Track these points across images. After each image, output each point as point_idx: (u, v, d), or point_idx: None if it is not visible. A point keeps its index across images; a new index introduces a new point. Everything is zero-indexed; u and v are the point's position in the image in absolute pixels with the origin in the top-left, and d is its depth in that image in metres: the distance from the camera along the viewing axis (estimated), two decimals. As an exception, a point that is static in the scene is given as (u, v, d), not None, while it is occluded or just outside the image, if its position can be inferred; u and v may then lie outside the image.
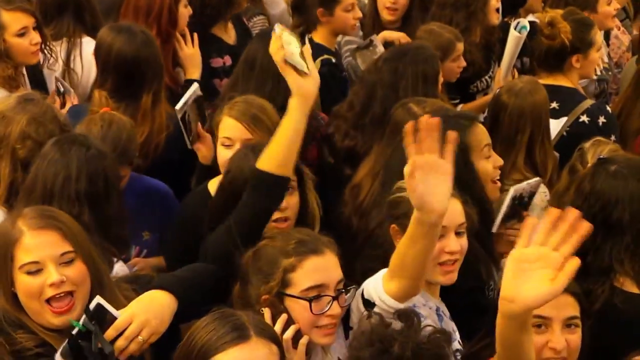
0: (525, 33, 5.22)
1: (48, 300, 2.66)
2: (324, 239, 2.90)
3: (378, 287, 2.80)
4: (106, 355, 2.61)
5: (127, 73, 4.13)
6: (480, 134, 3.65)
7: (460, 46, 5.09)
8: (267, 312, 2.75)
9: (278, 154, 3.04)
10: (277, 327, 2.70)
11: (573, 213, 2.06)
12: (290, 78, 3.01)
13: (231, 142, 3.74)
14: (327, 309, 2.75)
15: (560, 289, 2.06)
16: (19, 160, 3.47)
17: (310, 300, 2.74)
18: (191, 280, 2.91)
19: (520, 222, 3.61)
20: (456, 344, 2.98)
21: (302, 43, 3.10)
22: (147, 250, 3.96)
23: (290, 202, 3.28)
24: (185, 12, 4.72)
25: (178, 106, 3.84)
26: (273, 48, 3.02)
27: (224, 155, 3.71)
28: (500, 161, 3.73)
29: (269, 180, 3.03)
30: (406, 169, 2.54)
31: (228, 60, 5.02)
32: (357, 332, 2.67)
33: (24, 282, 2.68)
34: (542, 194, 3.99)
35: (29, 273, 2.68)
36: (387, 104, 4.10)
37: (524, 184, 3.79)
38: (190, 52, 4.73)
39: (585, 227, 2.05)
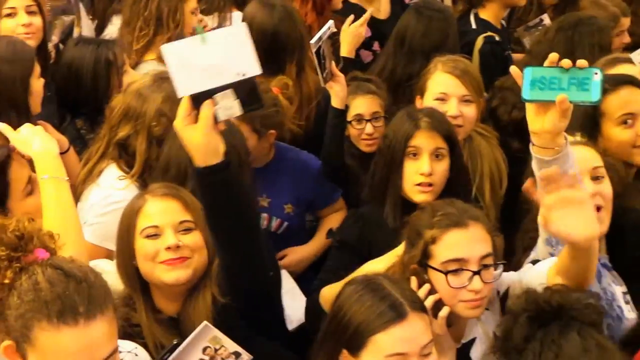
0: None
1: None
2: (473, 212, 2.78)
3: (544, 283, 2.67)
4: None
5: (269, 47, 4.05)
6: (618, 101, 3.30)
7: (625, 21, 4.89)
8: (413, 281, 2.72)
9: None
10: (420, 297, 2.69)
11: None
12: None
13: (446, 97, 3.66)
14: (467, 283, 2.65)
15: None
16: (154, 138, 3.48)
17: (446, 274, 2.67)
18: None
19: None
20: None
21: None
22: (288, 223, 3.84)
23: (437, 168, 3.24)
24: None
25: (313, 40, 3.71)
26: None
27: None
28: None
29: None
30: (539, 220, 2.43)
31: (367, 32, 4.77)
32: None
33: (142, 246, 2.73)
34: None
35: (148, 237, 2.73)
36: None
37: None
38: (351, 31, 4.56)
39: None
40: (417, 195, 3.23)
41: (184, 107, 2.33)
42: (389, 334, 2.34)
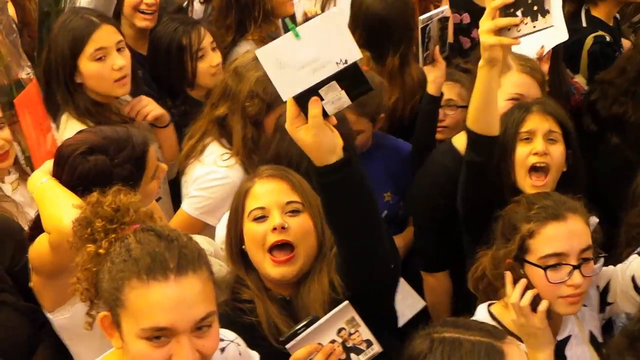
0: None
1: (271, 251, 2.61)
2: (571, 204, 2.70)
3: None
4: None
5: (374, 31, 3.98)
6: None
7: None
8: (508, 276, 2.67)
9: None
10: (516, 293, 2.63)
11: None
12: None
13: (522, 99, 3.40)
14: (567, 278, 2.59)
15: None
16: (249, 117, 3.48)
17: (545, 269, 2.61)
18: None
19: None
20: None
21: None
22: (388, 212, 3.81)
23: (553, 151, 3.09)
24: None
25: (422, 17, 3.62)
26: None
27: None
28: None
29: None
30: None
31: (466, 18, 4.71)
32: None
33: (250, 230, 2.66)
34: None
35: (255, 219, 2.65)
36: None
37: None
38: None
39: None
40: (530, 188, 3.06)
41: (290, 110, 2.22)
42: None
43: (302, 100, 2.19)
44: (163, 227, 2.08)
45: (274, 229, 2.60)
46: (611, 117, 3.93)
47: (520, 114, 3.13)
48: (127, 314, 1.94)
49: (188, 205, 3.58)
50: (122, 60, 3.61)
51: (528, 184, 3.07)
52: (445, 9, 3.75)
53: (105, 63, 3.59)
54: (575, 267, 2.59)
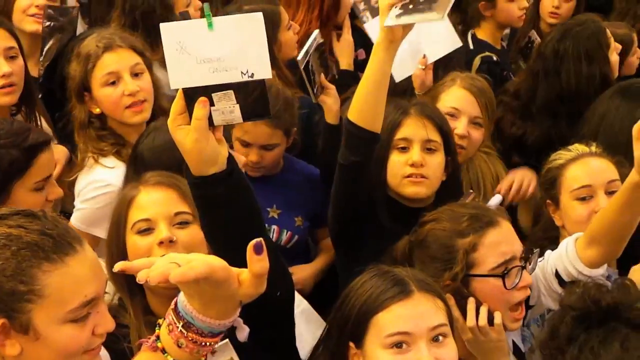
0: None
1: None
2: (491, 210, 2.68)
3: (573, 259, 2.64)
4: None
5: None
6: None
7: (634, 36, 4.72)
8: (451, 300, 2.46)
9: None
10: (471, 314, 2.50)
11: None
12: None
13: (457, 114, 3.52)
14: (517, 280, 2.51)
15: None
16: (78, 91, 3.40)
17: (503, 276, 2.50)
18: None
19: None
20: None
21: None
22: (298, 237, 3.75)
23: (430, 161, 3.01)
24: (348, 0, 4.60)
25: (300, 56, 3.38)
26: None
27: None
28: None
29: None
30: (635, 128, 2.39)
31: (362, 54, 4.66)
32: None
33: (134, 244, 2.47)
34: None
35: (140, 232, 2.47)
36: (551, 92, 3.91)
37: None
38: (349, 41, 4.52)
39: None
40: (408, 188, 3.00)
41: (176, 104, 1.96)
42: (390, 311, 2.15)
43: (191, 97, 1.94)
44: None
45: (161, 242, 2.42)
46: (511, 137, 4.03)
47: (397, 117, 3.01)
48: (49, 303, 1.84)
49: (74, 219, 3.40)
50: (7, 67, 3.38)
51: (406, 187, 3.00)
52: (315, 34, 3.65)
53: None
54: (522, 267, 2.53)
